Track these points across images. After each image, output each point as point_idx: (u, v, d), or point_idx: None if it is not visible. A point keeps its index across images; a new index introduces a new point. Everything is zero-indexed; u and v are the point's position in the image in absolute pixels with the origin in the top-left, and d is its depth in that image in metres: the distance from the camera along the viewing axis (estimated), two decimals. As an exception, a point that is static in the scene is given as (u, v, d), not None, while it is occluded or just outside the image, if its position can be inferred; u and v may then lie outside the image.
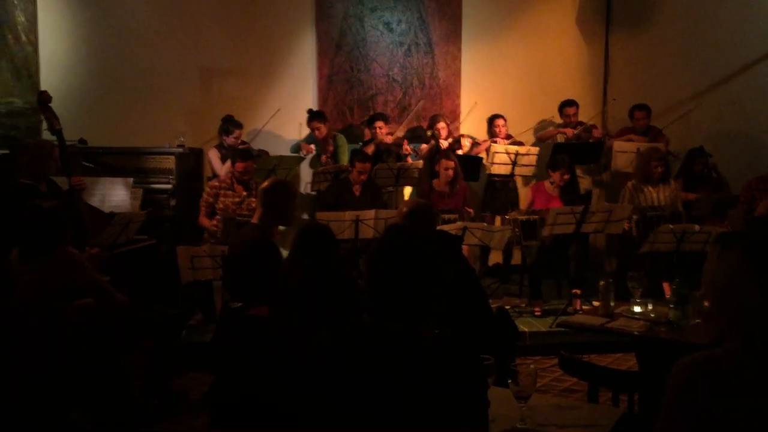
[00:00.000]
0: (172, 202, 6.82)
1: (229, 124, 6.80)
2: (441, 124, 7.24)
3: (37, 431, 2.99)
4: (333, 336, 1.90)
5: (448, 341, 1.85)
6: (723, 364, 1.69)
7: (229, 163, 6.27)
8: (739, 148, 7.41)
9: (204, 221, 5.97)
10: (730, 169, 7.30)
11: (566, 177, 6.46)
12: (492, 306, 3.67)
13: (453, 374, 1.77)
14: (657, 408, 1.79)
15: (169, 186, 6.87)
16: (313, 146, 7.09)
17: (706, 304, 3.39)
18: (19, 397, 2.92)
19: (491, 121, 7.42)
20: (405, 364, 1.75)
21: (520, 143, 7.30)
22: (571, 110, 7.44)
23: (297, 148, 7.14)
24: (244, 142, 6.87)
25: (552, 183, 6.53)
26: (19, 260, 3.52)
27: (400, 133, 7.53)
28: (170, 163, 6.91)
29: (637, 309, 3.64)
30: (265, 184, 3.93)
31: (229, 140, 6.76)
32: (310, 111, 7.20)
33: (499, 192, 7.19)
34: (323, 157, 7.07)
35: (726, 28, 7.48)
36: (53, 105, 5.09)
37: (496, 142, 7.23)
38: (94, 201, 5.78)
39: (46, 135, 5.65)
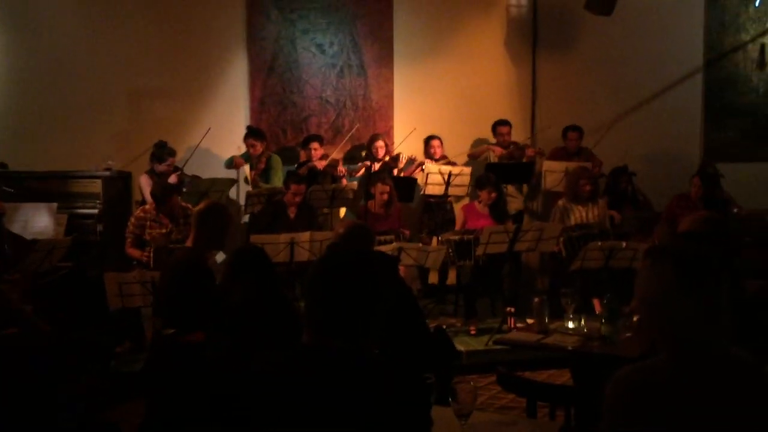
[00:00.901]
0: (99, 227, 6.60)
1: (162, 151, 6.66)
2: (379, 143, 7.29)
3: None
4: (272, 356, 1.86)
5: (390, 360, 1.84)
6: (657, 375, 1.74)
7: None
8: (659, 166, 7.72)
9: (132, 251, 5.78)
10: (651, 187, 7.60)
11: (493, 195, 6.58)
12: (430, 326, 3.69)
13: (395, 393, 1.76)
14: (593, 420, 1.83)
15: (95, 211, 6.65)
16: (244, 162, 7.04)
17: (635, 318, 3.50)
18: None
19: (427, 141, 7.51)
20: (347, 384, 1.73)
21: (453, 164, 7.40)
22: (504, 129, 7.60)
23: (230, 162, 7.09)
24: (177, 168, 6.72)
25: (480, 202, 6.65)
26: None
27: (337, 155, 7.53)
28: (97, 187, 6.70)
29: (570, 325, 3.71)
30: (201, 206, 3.86)
31: (161, 167, 6.61)
32: (248, 127, 7.15)
33: (434, 212, 7.26)
34: (252, 173, 7.00)
35: (649, 51, 7.82)
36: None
37: (427, 163, 7.30)
38: (16, 228, 5.57)
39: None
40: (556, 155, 7.50)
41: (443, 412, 2.33)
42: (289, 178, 6.50)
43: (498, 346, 5.40)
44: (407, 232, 6.59)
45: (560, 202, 6.57)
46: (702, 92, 7.94)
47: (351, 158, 7.61)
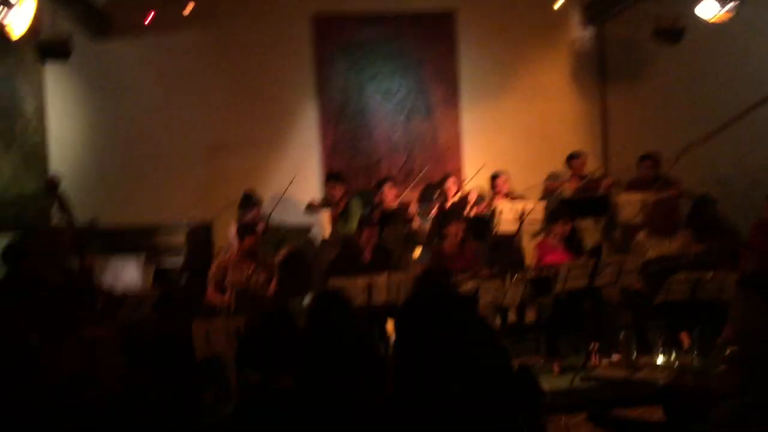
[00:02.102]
0: (184, 278, 6.82)
1: (247, 201, 6.89)
2: (451, 179, 7.34)
3: None
4: (363, 397, 1.89)
5: (482, 401, 1.83)
6: (754, 412, 1.67)
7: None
8: (740, 192, 7.45)
9: (214, 297, 5.96)
10: (733, 214, 7.33)
11: (567, 228, 6.48)
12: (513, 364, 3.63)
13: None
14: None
15: (180, 262, 6.88)
16: (322, 206, 7.22)
17: (728, 351, 3.36)
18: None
19: (493, 178, 7.51)
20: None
21: (521, 198, 7.34)
22: (577, 162, 7.52)
23: (310, 207, 7.32)
24: (262, 217, 6.92)
25: (554, 237, 6.56)
26: (40, 341, 3.52)
27: (408, 196, 7.58)
28: (180, 238, 6.94)
29: (660, 359, 3.61)
30: (281, 255, 3.96)
31: (247, 216, 6.82)
32: (329, 172, 7.40)
33: (503, 250, 7.18)
34: (333, 213, 7.12)
35: (722, 75, 7.64)
36: (63, 186, 5.17)
37: (498, 201, 7.26)
38: (106, 280, 5.80)
39: (57, 217, 5.72)
40: (633, 186, 7.34)
41: (534, 452, 2.29)
42: (361, 222, 6.60)
43: (583, 385, 5.27)
44: (486, 272, 6.53)
45: (641, 235, 6.39)
46: (783, 112, 7.67)
47: (423, 198, 7.65)
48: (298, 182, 7.62)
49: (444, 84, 8.02)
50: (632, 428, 2.69)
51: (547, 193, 7.74)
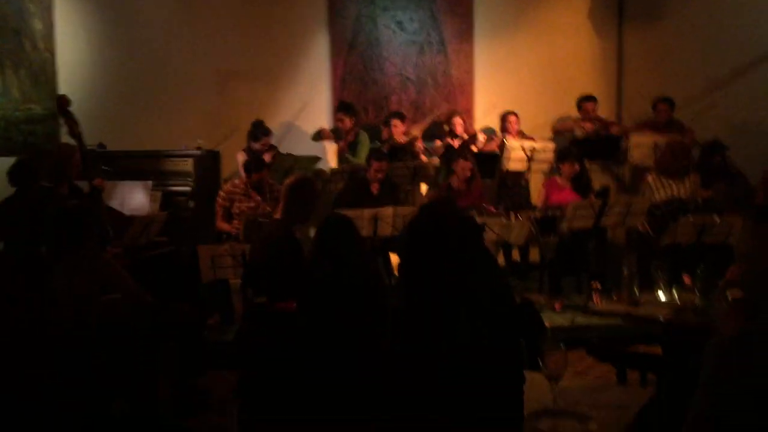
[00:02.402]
0: (191, 204, 6.85)
1: (258, 130, 6.84)
2: (457, 119, 7.26)
3: (74, 422, 3.02)
4: (366, 326, 1.91)
5: (484, 322, 1.86)
6: (761, 337, 1.69)
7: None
8: (755, 139, 7.35)
9: (222, 225, 6.03)
10: (746, 160, 7.25)
11: (576, 168, 6.46)
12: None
13: (489, 354, 1.78)
14: (685, 390, 1.79)
15: (187, 188, 6.90)
16: (332, 135, 7.18)
17: (730, 296, 3.37)
18: (50, 388, 2.96)
19: (504, 117, 7.43)
20: (441, 346, 1.76)
21: (531, 139, 7.29)
22: (589, 106, 7.42)
23: (318, 135, 7.25)
24: (272, 147, 6.91)
25: (562, 176, 6.54)
26: (49, 255, 3.56)
27: (417, 132, 7.54)
28: (188, 165, 6.94)
29: (662, 296, 3.63)
30: (290, 180, 3.96)
31: (256, 146, 6.79)
32: (340, 102, 7.31)
33: (511, 189, 7.17)
34: (341, 143, 7.10)
35: (742, 17, 7.44)
36: (71, 110, 5.13)
37: (508, 138, 7.21)
38: (114, 204, 5.81)
39: (66, 139, 5.70)
40: (646, 127, 7.26)
41: (534, 378, 2.33)
42: (371, 155, 6.56)
43: (584, 322, 5.33)
44: (492, 209, 6.54)
45: (649, 177, 6.36)
46: (802, 60, 7.52)
47: (429, 136, 7.59)
48: (307, 113, 7.59)
49: (458, 18, 7.87)
50: (630, 360, 2.74)
51: (558, 134, 7.67)
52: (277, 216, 3.90)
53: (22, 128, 7.38)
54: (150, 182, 6.24)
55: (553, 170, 7.17)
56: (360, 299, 3.13)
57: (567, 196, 6.37)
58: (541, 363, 2.26)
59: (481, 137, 7.30)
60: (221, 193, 6.13)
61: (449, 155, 6.99)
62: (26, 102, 7.38)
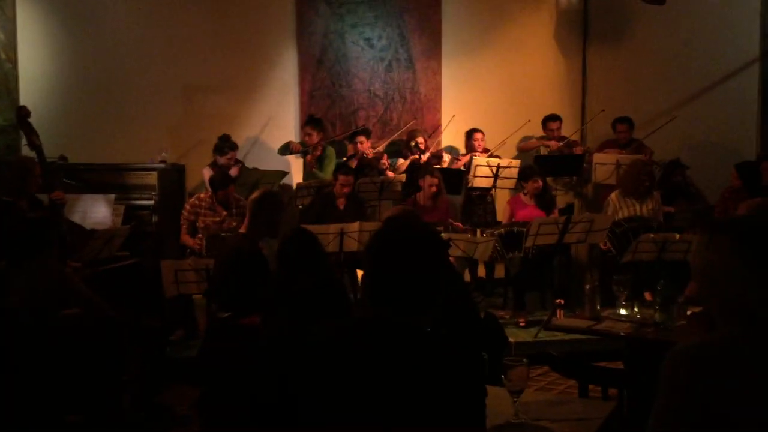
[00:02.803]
0: (155, 218, 6.77)
1: (224, 144, 6.80)
2: (419, 139, 7.29)
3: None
4: (329, 330, 1.90)
5: (447, 334, 1.86)
6: (719, 351, 1.70)
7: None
8: (714, 158, 7.54)
9: (186, 239, 6.03)
10: (705, 179, 7.44)
11: (538, 185, 6.56)
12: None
13: (452, 367, 1.78)
14: (646, 404, 1.81)
15: (151, 202, 6.81)
16: (300, 147, 7.14)
17: (689, 312, 3.43)
18: (13, 398, 2.89)
19: (470, 134, 7.49)
20: (404, 354, 1.75)
21: (497, 157, 7.37)
22: (554, 125, 7.54)
23: (286, 147, 7.17)
24: (238, 161, 6.88)
25: (525, 194, 6.64)
26: (8, 266, 3.49)
27: (381, 148, 7.57)
28: (152, 179, 6.85)
29: (623, 311, 3.68)
30: (256, 194, 3.95)
31: (222, 160, 6.75)
32: (309, 116, 7.28)
33: (476, 206, 7.24)
34: (308, 157, 7.08)
35: (704, 38, 7.65)
36: (33, 121, 5.05)
37: (475, 155, 7.28)
38: (75, 218, 5.73)
39: (26, 151, 5.61)
40: (606, 147, 7.40)
41: (495, 391, 2.34)
42: (338, 169, 6.57)
43: (547, 338, 5.39)
44: (459, 225, 6.58)
45: (613, 196, 6.47)
46: (759, 82, 7.72)
47: (392, 154, 7.61)
48: (273, 128, 7.56)
49: (426, 35, 7.94)
50: (592, 375, 2.77)
51: (523, 152, 7.77)
52: (243, 230, 3.87)
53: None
54: (113, 195, 6.16)
55: (518, 187, 7.26)
56: (324, 314, 3.12)
57: (531, 212, 6.46)
58: (503, 377, 2.28)
59: (446, 157, 7.35)
60: (186, 207, 6.10)
61: (415, 171, 7.03)
62: (-14, 112, 7.24)
